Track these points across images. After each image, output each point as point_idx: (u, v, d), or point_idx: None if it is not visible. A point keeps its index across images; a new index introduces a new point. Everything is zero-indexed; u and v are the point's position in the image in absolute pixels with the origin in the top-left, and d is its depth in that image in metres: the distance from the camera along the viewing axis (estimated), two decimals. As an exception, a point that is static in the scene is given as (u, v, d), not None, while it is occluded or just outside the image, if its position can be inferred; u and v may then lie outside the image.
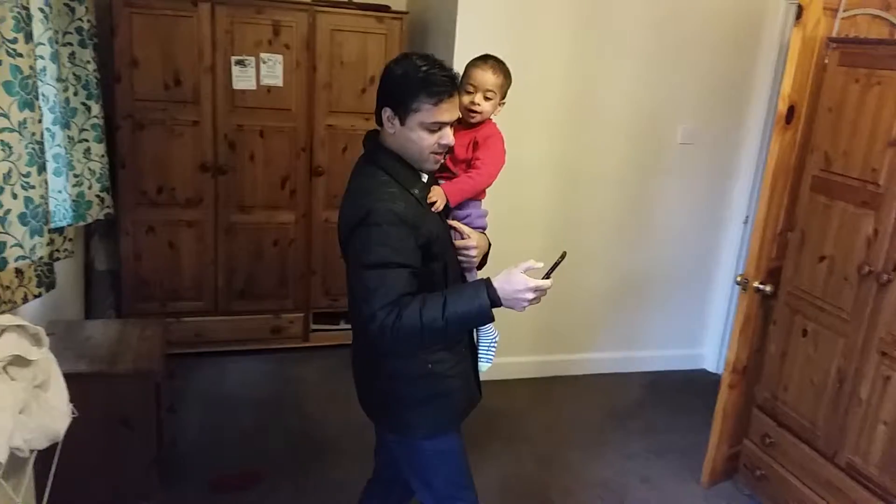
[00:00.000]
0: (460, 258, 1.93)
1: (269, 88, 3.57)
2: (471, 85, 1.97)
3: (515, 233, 3.72)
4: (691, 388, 4.00)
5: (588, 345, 4.06)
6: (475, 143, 1.98)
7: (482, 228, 2.05)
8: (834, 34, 2.60)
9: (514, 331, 3.86)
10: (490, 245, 2.07)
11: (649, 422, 3.60)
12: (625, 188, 3.84)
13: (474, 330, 2.00)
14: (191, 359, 3.73)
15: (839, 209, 2.57)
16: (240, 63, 3.47)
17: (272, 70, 3.52)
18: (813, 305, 2.70)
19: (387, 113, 1.74)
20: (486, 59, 2.03)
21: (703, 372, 4.25)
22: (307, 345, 4.03)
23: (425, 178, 1.85)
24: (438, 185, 1.90)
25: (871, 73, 2.42)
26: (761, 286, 2.80)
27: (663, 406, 3.78)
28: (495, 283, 1.68)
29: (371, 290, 1.65)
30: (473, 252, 1.93)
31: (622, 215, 3.88)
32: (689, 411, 3.69)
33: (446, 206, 1.90)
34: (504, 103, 2.07)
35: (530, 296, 1.67)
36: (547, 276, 1.71)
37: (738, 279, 2.85)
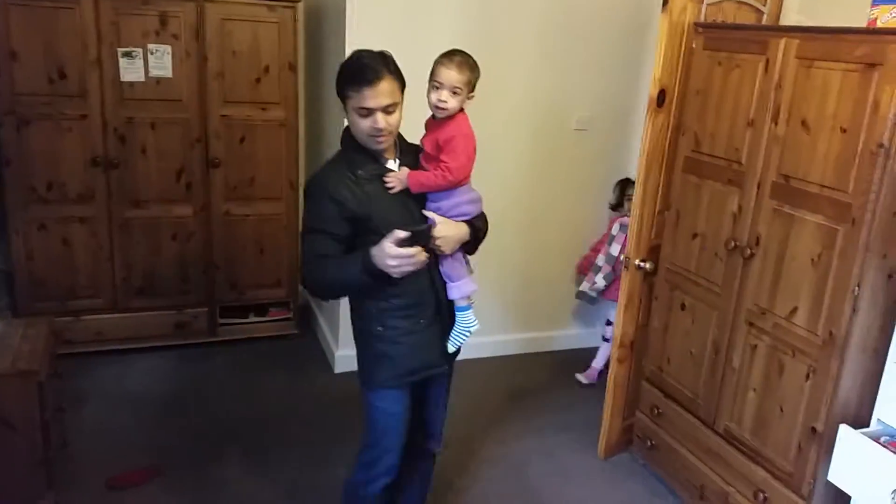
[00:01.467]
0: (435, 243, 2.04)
1: (159, 80, 3.51)
2: (437, 82, 2.08)
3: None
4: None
5: (492, 327, 4.12)
6: (438, 145, 2.07)
7: (464, 216, 2.13)
8: (701, 20, 2.72)
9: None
10: (478, 231, 2.19)
11: (550, 399, 3.71)
12: (524, 172, 3.92)
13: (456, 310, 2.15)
14: (92, 357, 3.65)
15: (708, 188, 2.69)
16: (127, 55, 3.40)
17: (161, 61, 3.46)
18: (689, 280, 2.83)
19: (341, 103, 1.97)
20: (451, 56, 2.11)
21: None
22: (214, 339, 3.99)
23: (392, 163, 2.08)
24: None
25: (731, 57, 2.54)
26: (642, 264, 2.92)
27: (564, 384, 3.89)
28: (372, 251, 1.85)
29: (302, 251, 2.02)
30: (438, 240, 2.01)
31: (520, 202, 3.96)
32: (590, 388, 3.82)
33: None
34: (473, 96, 2.16)
35: (392, 262, 1.82)
36: (410, 245, 1.83)
37: (622, 257, 2.96)
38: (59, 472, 2.68)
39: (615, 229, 3.79)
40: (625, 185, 3.86)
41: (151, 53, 3.44)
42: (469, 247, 2.17)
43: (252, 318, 4.17)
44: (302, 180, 4.39)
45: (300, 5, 3.77)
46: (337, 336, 3.85)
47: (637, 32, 3.89)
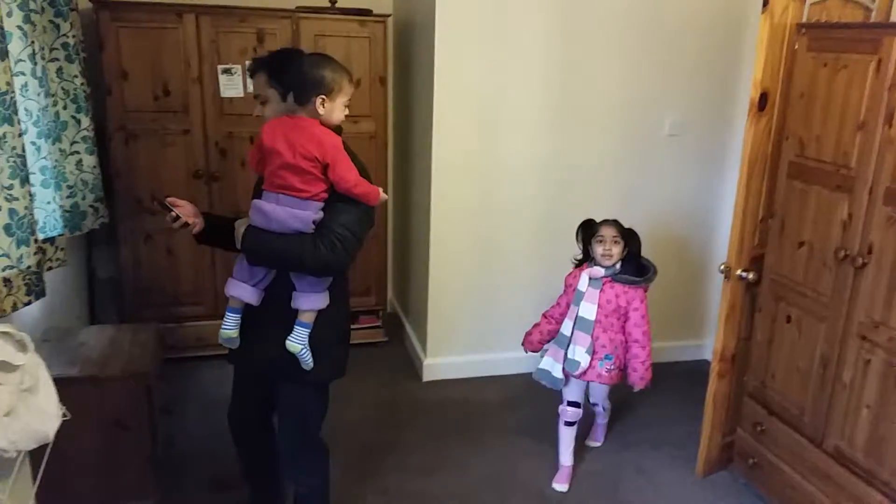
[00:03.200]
0: None
1: (257, 95, 3.63)
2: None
3: (501, 233, 3.76)
4: (692, 378, 3.99)
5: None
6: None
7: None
8: (804, 20, 2.60)
9: (510, 325, 3.91)
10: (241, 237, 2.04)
11: (646, 413, 3.61)
12: (613, 182, 3.85)
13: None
14: (193, 363, 3.80)
15: (815, 194, 2.57)
16: (226, 71, 3.54)
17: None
18: (795, 291, 2.71)
19: None
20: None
21: (705, 363, 4.23)
22: (307, 346, 4.09)
23: None
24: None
25: (837, 58, 2.42)
26: (744, 274, 2.81)
27: (662, 397, 3.78)
28: None
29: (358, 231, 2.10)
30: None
31: (612, 210, 3.86)
32: (689, 402, 3.67)
33: None
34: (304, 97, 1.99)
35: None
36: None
37: (721, 267, 2.86)
38: (165, 472, 2.79)
39: (583, 283, 2.92)
40: (588, 230, 3.00)
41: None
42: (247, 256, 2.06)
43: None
44: (391, 192, 4.46)
45: (390, 20, 3.83)
46: (425, 345, 3.87)
47: (732, 33, 3.77)
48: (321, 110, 1.94)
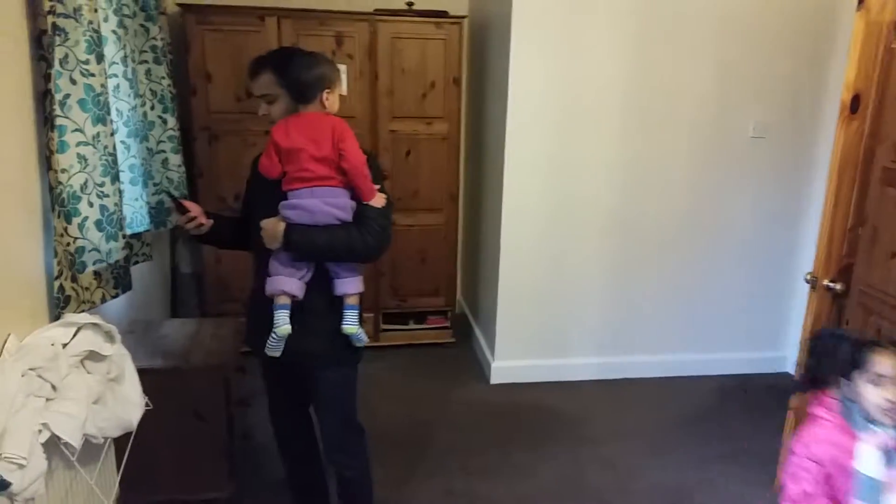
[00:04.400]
0: None
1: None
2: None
3: (573, 236, 3.71)
4: (771, 392, 3.85)
5: (660, 346, 3.98)
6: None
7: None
8: (904, 17, 2.46)
9: (581, 330, 3.87)
10: (295, 243, 2.05)
11: (723, 426, 3.49)
12: (693, 184, 3.75)
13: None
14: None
15: (912, 202, 2.43)
16: (306, 73, 3.61)
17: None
18: (886, 304, 2.56)
19: None
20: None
21: (786, 375, 4.08)
22: (377, 344, 4.15)
23: None
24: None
25: (942, 57, 2.29)
26: (832, 284, 2.68)
27: (739, 410, 3.66)
28: None
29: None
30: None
31: (691, 213, 3.79)
32: (768, 416, 3.54)
33: None
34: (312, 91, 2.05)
35: None
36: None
37: (807, 277, 2.74)
38: (241, 464, 2.86)
39: (869, 462, 1.77)
40: (849, 351, 1.86)
41: (328, 72, 3.63)
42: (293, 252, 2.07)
43: (412, 325, 4.29)
44: (462, 193, 4.47)
45: (466, 21, 3.84)
46: (493, 347, 3.86)
47: (822, 32, 3.63)
48: (326, 103, 2.06)
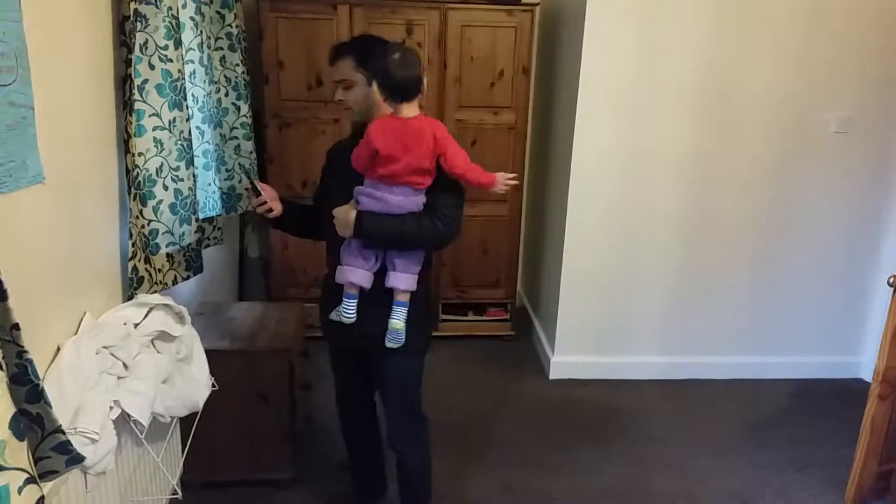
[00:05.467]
0: None
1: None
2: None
3: (640, 231, 3.63)
4: (844, 398, 3.70)
5: (726, 347, 3.86)
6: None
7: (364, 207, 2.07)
8: None
9: (644, 329, 3.78)
10: (367, 231, 2.04)
11: (791, 432, 3.37)
12: (768, 180, 3.61)
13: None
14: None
15: None
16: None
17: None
18: (978, 312, 2.42)
19: None
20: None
21: (860, 382, 3.90)
22: (436, 334, 4.14)
23: None
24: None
25: None
26: (917, 289, 2.54)
27: (809, 416, 3.52)
28: None
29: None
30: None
31: (765, 210, 3.65)
32: (839, 423, 3.40)
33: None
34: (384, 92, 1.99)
35: None
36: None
37: (891, 280, 2.60)
38: (303, 447, 2.91)
39: None
40: None
41: (397, 61, 3.63)
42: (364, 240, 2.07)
43: (471, 317, 4.28)
44: (527, 183, 4.41)
45: (538, 9, 3.78)
46: (553, 342, 3.81)
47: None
48: (418, 108, 2.02)
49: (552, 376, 3.82)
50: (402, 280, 2.10)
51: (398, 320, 2.12)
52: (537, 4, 3.80)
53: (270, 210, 2.23)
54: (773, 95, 3.48)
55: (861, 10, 3.40)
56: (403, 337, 2.14)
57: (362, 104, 2.11)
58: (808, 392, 3.78)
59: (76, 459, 1.39)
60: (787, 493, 2.93)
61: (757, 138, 3.53)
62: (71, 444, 1.36)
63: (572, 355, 3.80)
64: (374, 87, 1.98)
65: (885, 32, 3.44)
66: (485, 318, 4.28)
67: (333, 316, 2.17)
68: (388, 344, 2.14)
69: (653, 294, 3.74)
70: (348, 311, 2.12)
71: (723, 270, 3.73)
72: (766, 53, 3.41)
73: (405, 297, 2.13)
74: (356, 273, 2.08)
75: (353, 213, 2.03)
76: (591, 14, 3.29)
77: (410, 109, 1.99)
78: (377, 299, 2.12)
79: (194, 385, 2.14)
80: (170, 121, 2.22)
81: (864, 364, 3.91)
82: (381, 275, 2.11)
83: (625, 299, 3.74)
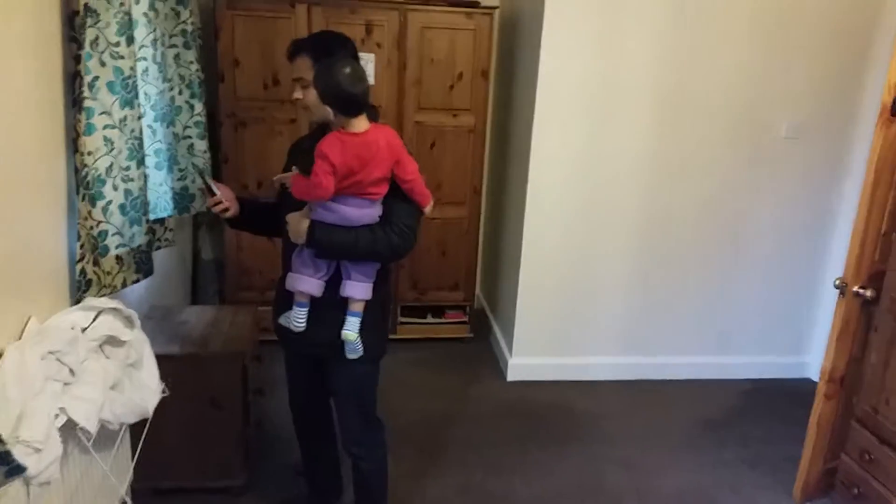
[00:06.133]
0: None
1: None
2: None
3: (598, 233, 3.66)
4: (793, 397, 3.79)
5: (680, 348, 3.93)
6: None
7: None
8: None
9: (601, 330, 3.82)
10: (319, 242, 2.01)
11: (742, 431, 3.44)
12: (722, 184, 3.68)
13: None
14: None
15: (951, 210, 2.36)
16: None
17: (365, 69, 3.62)
18: (920, 314, 2.50)
19: None
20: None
21: (808, 381, 4.01)
22: (394, 337, 4.13)
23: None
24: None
25: None
26: (861, 290, 2.62)
27: (759, 415, 3.60)
28: None
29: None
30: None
31: (718, 213, 3.72)
32: (788, 422, 3.49)
33: None
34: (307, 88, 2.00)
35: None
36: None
37: (837, 282, 2.68)
38: (255, 453, 2.87)
39: None
40: None
41: (355, 61, 3.61)
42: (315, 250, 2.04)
43: (430, 319, 4.27)
44: (486, 186, 4.43)
45: (497, 12, 3.79)
46: (511, 344, 3.83)
47: (860, 32, 3.54)
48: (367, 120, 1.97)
49: (510, 378, 3.83)
50: (358, 289, 2.07)
51: (351, 331, 2.08)
52: (496, 7, 3.82)
53: (226, 210, 2.18)
54: (729, 100, 3.55)
55: (818, 22, 3.49)
56: (360, 347, 2.11)
57: (320, 105, 2.05)
58: (759, 391, 3.87)
59: (17, 470, 1.34)
60: (739, 490, 2.99)
61: (712, 142, 3.60)
62: (11, 455, 1.32)
63: (530, 357, 3.82)
64: (319, 100, 1.91)
65: (842, 42, 3.54)
66: (443, 320, 4.28)
67: (282, 321, 2.14)
68: (348, 355, 2.12)
69: (609, 296, 3.79)
70: (298, 319, 2.09)
71: (678, 273, 3.79)
72: (724, 58, 3.48)
73: (359, 307, 2.09)
74: (305, 281, 2.05)
75: (307, 223, 1.99)
76: (549, 17, 3.31)
77: (361, 122, 1.93)
78: (330, 305, 2.09)
79: (144, 391, 2.09)
80: (120, 119, 2.17)
81: (812, 364, 4.02)
82: (334, 281, 2.08)
83: (582, 301, 3.78)
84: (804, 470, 2.90)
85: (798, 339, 4.04)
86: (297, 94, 2.06)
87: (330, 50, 2.00)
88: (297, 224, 2.01)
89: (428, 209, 2.11)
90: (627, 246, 3.72)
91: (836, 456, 2.90)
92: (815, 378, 3.98)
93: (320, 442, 2.56)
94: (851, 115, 3.65)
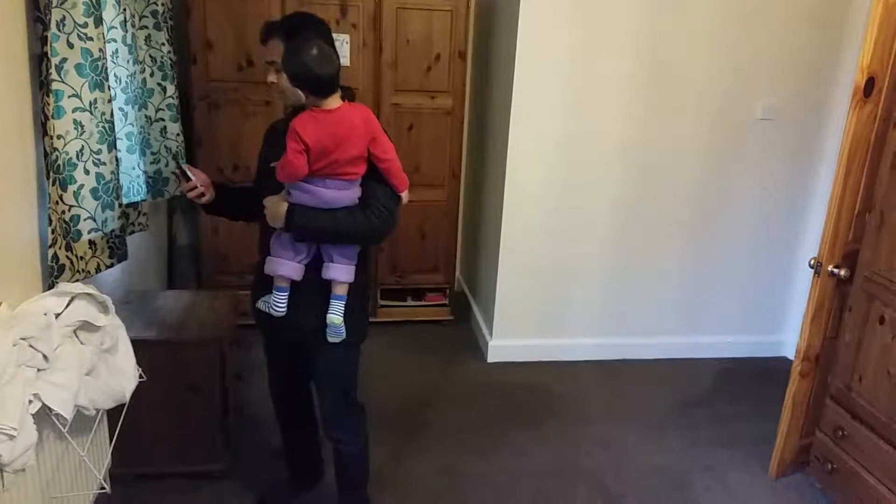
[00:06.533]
0: None
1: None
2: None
3: (576, 215, 3.68)
4: (768, 376, 3.84)
5: (658, 328, 3.97)
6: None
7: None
8: (923, -1, 2.41)
9: (580, 311, 3.84)
10: (297, 225, 2.00)
11: (719, 410, 3.49)
12: (698, 165, 3.70)
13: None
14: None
15: (922, 189, 2.39)
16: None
17: (340, 50, 3.55)
18: (891, 291, 2.54)
19: None
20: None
21: (783, 360, 4.07)
22: (374, 320, 4.12)
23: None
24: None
25: (960, 42, 2.24)
26: (836, 270, 2.66)
27: (736, 394, 3.65)
28: None
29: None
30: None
31: (695, 194, 3.75)
32: (764, 400, 3.54)
33: None
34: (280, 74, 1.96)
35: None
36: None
37: (811, 262, 2.71)
38: (235, 438, 2.85)
39: None
40: None
41: (331, 42, 3.56)
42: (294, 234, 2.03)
43: (410, 302, 4.26)
44: (464, 169, 4.42)
45: (473, -7, 3.77)
46: (491, 326, 3.84)
47: (835, 14, 3.56)
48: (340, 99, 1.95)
49: (490, 359, 3.85)
50: (341, 272, 2.05)
51: (337, 315, 2.07)
52: (473, -12, 3.79)
53: (202, 195, 2.15)
54: (704, 82, 3.56)
55: (793, 3, 3.50)
56: (343, 331, 2.10)
57: (293, 89, 2.03)
58: (735, 371, 3.92)
59: (-10, 457, 1.32)
60: (715, 468, 3.03)
61: (690, 124, 3.62)
62: (-16, 442, 1.30)
63: (510, 339, 3.84)
64: (288, 82, 1.90)
65: (817, 25, 3.55)
66: (423, 303, 4.28)
67: (261, 306, 2.12)
68: (330, 339, 2.11)
69: (587, 277, 3.81)
70: (279, 304, 2.07)
71: (655, 254, 3.82)
72: (700, 39, 3.48)
73: (343, 290, 2.08)
74: (285, 265, 2.03)
75: (285, 206, 1.97)
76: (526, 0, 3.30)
77: (334, 101, 1.92)
78: (311, 289, 2.07)
79: (120, 376, 2.07)
80: (90, 102, 2.13)
81: (788, 343, 4.08)
82: (314, 265, 2.06)
83: (560, 283, 3.79)
84: (779, 447, 2.95)
85: (774, 319, 4.09)
86: (272, 78, 2.02)
87: (302, 32, 1.96)
88: (276, 208, 1.99)
89: (405, 195, 2.09)
90: (605, 227, 3.73)
91: (811, 433, 2.95)
92: (791, 357, 4.03)
93: (301, 426, 2.55)
94: (826, 96, 3.68)
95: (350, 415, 2.33)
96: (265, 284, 2.11)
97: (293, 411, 2.51)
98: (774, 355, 4.13)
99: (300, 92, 1.90)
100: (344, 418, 2.31)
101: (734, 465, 3.06)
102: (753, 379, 3.81)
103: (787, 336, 4.11)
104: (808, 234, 3.91)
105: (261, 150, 2.20)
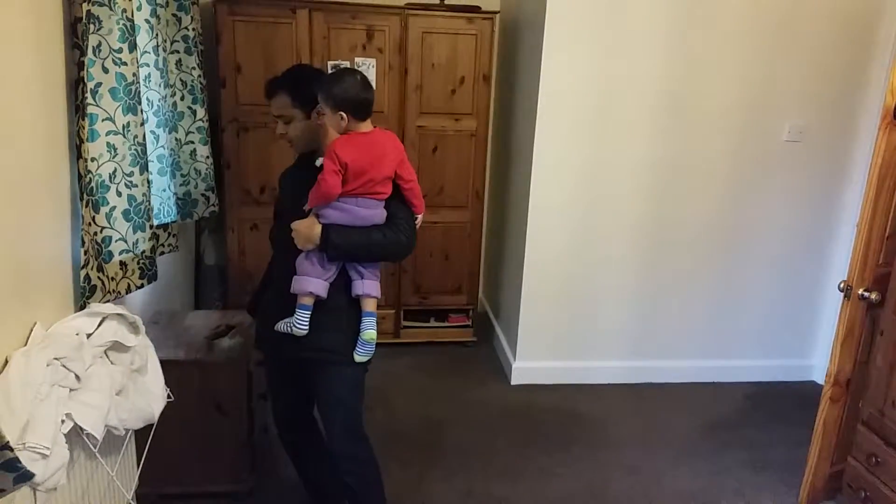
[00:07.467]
0: None
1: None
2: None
3: (601, 237, 3.66)
4: (797, 400, 3.78)
5: (685, 351, 3.92)
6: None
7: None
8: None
9: (604, 333, 3.81)
10: (333, 245, 2.05)
11: (747, 434, 3.43)
12: (725, 187, 3.68)
13: None
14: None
15: (955, 212, 2.36)
16: (336, 68, 3.60)
17: (367, 74, 3.62)
18: (925, 316, 2.49)
19: None
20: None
21: (812, 384, 4.00)
22: (398, 341, 4.13)
23: (319, 161, 2.08)
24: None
25: None
26: (866, 294, 2.62)
27: (764, 419, 3.59)
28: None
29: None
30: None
31: (722, 216, 3.72)
32: (793, 425, 3.48)
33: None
34: (323, 114, 2.04)
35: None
36: None
37: (841, 286, 2.67)
38: (260, 458, 2.86)
39: None
40: None
41: (358, 67, 3.61)
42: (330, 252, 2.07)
43: (433, 323, 4.26)
44: (488, 190, 4.43)
45: (498, 17, 3.80)
46: (515, 347, 3.82)
47: (862, 35, 3.53)
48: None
49: (514, 381, 3.83)
50: (372, 287, 2.14)
51: (373, 329, 2.15)
52: (497, 12, 3.82)
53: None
54: (732, 103, 3.55)
55: (820, 24, 3.49)
56: (373, 348, 2.17)
57: (303, 138, 2.16)
58: (763, 395, 3.86)
59: (25, 476, 1.34)
60: (744, 493, 2.98)
61: (716, 146, 3.60)
62: (19, 461, 1.31)
63: (534, 360, 3.82)
64: (330, 111, 2.00)
65: (841, 42, 3.53)
66: (447, 324, 4.27)
67: (281, 328, 2.14)
68: (358, 358, 2.15)
69: (613, 299, 3.78)
70: (302, 323, 2.10)
71: (682, 276, 3.79)
72: (726, 60, 3.48)
73: (374, 306, 2.16)
74: (314, 282, 2.08)
75: (319, 227, 2.04)
76: (551, 21, 3.32)
77: (368, 125, 2.06)
78: (324, 309, 2.12)
79: (149, 396, 2.09)
80: (124, 125, 2.17)
81: (817, 367, 4.01)
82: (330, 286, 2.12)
83: (585, 304, 3.77)
84: (810, 473, 2.89)
85: (802, 343, 4.03)
86: (281, 130, 2.17)
87: (307, 84, 2.09)
88: (309, 230, 2.05)
89: (420, 218, 2.20)
90: (631, 249, 3.71)
91: (843, 459, 2.89)
92: (820, 381, 3.97)
93: (310, 455, 2.53)
94: (854, 118, 3.65)
95: (356, 447, 2.30)
96: (279, 308, 2.16)
97: (300, 441, 2.50)
98: (803, 379, 4.06)
99: (318, 135, 2.10)
100: (350, 451, 2.29)
101: (764, 491, 3.00)
102: (782, 403, 3.75)
103: (815, 360, 4.04)
104: (837, 256, 3.85)
105: (278, 196, 2.34)
